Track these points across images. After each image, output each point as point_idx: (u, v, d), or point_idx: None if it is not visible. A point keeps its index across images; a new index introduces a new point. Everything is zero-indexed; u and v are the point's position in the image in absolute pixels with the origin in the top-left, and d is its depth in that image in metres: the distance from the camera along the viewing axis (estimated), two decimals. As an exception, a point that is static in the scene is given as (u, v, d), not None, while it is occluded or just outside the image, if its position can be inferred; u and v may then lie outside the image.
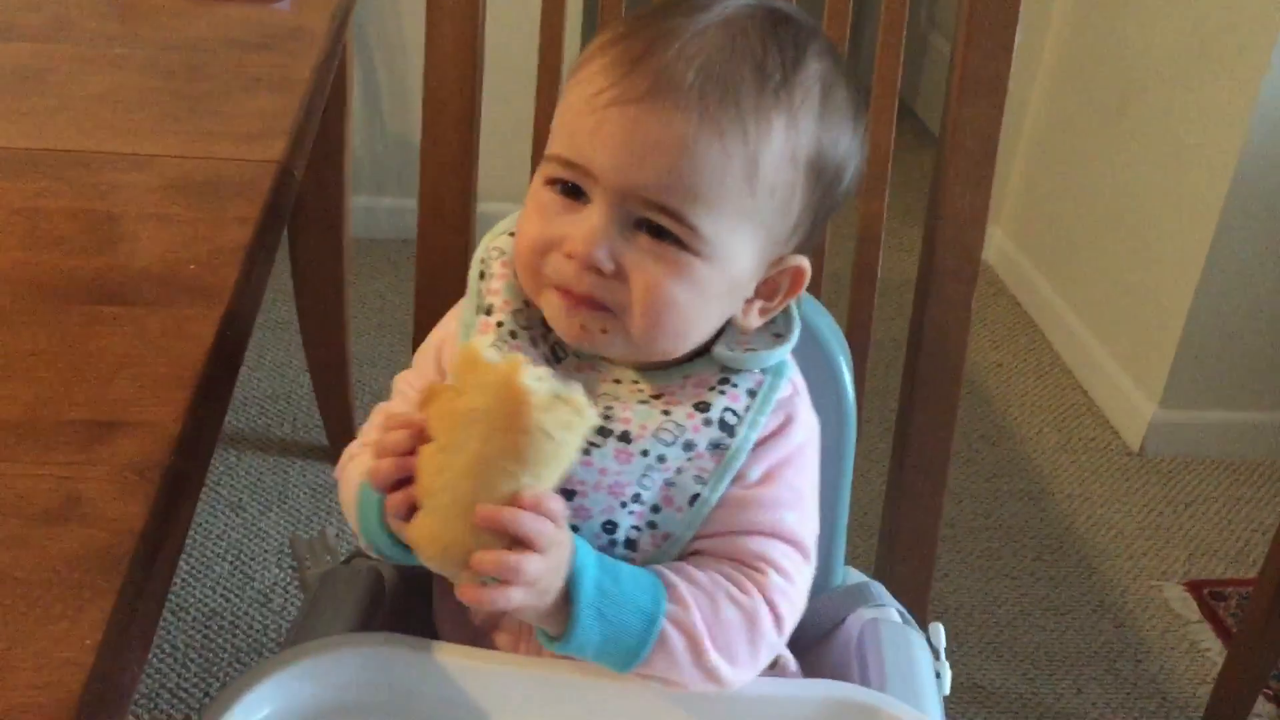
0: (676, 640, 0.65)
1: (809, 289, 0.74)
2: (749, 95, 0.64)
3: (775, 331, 0.73)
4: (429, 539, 0.61)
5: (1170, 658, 1.61)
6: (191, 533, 1.64)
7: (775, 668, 0.76)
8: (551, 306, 0.68)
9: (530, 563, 0.60)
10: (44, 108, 1.02)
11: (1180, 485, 1.94)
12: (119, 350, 0.73)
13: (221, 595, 1.56)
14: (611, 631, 0.64)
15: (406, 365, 0.80)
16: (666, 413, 0.69)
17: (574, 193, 0.66)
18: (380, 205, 2.42)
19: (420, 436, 0.61)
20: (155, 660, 1.46)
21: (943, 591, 1.68)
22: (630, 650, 0.65)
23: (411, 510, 0.61)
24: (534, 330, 0.71)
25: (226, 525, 1.67)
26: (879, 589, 0.87)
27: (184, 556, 1.61)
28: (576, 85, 0.66)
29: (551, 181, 0.67)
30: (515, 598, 0.61)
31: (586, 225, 0.65)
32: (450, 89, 0.92)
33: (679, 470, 0.68)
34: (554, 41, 0.95)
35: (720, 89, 0.63)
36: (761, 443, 0.70)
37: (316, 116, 1.12)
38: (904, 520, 0.98)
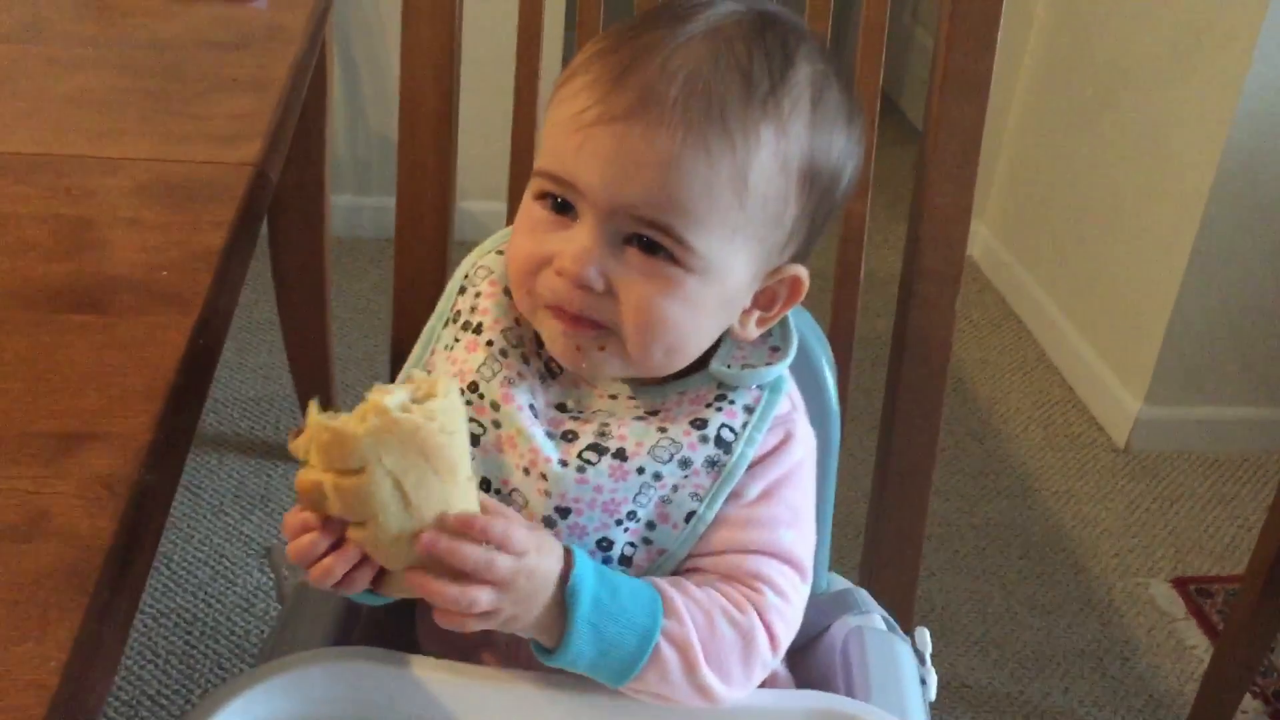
0: (671, 657, 0.65)
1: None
2: (735, 107, 0.63)
3: (772, 345, 0.73)
4: (396, 590, 0.63)
5: (1157, 655, 1.61)
6: (172, 536, 1.63)
7: (768, 675, 0.75)
8: (548, 329, 0.67)
9: (500, 561, 0.60)
10: (14, 110, 1.00)
11: (1166, 481, 1.94)
12: (88, 359, 0.71)
13: (203, 600, 1.55)
14: (606, 646, 0.64)
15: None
16: (663, 430, 0.68)
17: (564, 208, 0.65)
18: (363, 204, 2.41)
19: (330, 527, 0.61)
20: (135, 666, 1.44)
21: (928, 590, 1.68)
22: (624, 665, 0.65)
23: (368, 571, 0.62)
24: (525, 348, 0.71)
25: (208, 529, 1.66)
26: (863, 595, 0.86)
27: (164, 561, 1.59)
28: (562, 102, 0.65)
29: (541, 197, 0.67)
30: (483, 599, 0.60)
31: (576, 244, 0.64)
32: (426, 91, 0.91)
33: (675, 487, 0.68)
34: (532, 37, 0.94)
35: (705, 102, 0.62)
36: (759, 460, 0.69)
37: (294, 116, 1.10)
38: (888, 525, 0.97)
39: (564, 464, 0.67)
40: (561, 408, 0.70)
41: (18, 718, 0.49)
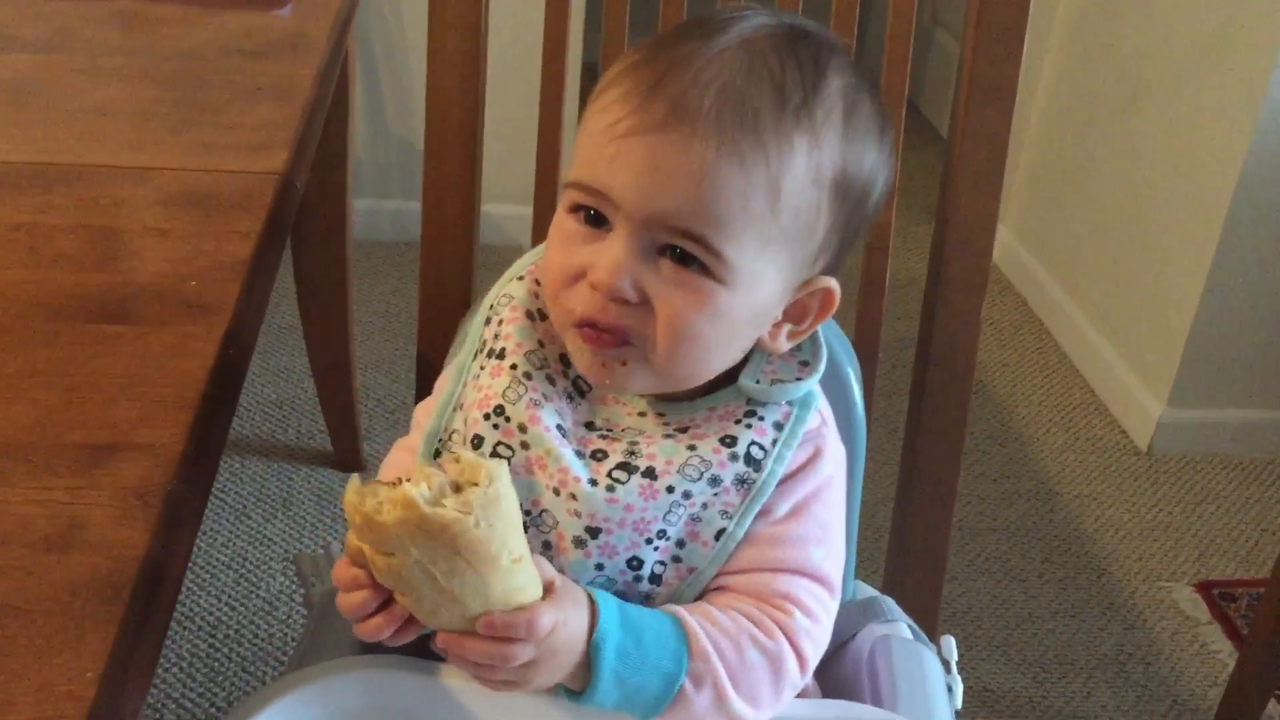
0: (695, 696, 0.65)
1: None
2: (769, 118, 0.63)
3: (801, 359, 0.72)
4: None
5: (1181, 660, 1.60)
6: (195, 541, 1.64)
7: None
8: (574, 344, 0.67)
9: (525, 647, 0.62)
10: (43, 120, 1.01)
11: (1189, 485, 1.94)
12: (120, 370, 0.72)
13: (226, 604, 1.56)
14: (631, 692, 0.65)
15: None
16: (692, 447, 0.68)
17: (597, 220, 0.66)
18: (383, 208, 2.41)
19: (380, 587, 0.62)
20: (159, 670, 1.45)
21: (950, 594, 1.67)
22: (649, 707, 0.66)
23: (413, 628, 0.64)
24: (550, 368, 0.71)
25: (231, 533, 1.67)
26: (889, 604, 0.86)
27: (188, 565, 1.60)
28: (595, 114, 0.65)
29: (574, 209, 0.67)
30: (509, 679, 0.63)
31: (609, 255, 0.64)
32: (453, 103, 0.92)
33: (705, 505, 0.68)
34: (557, 39, 0.94)
35: (739, 113, 0.62)
36: (789, 477, 0.69)
37: (319, 124, 1.11)
38: (914, 532, 0.97)
39: (594, 483, 0.67)
40: (590, 426, 0.70)
41: (57, 730, 0.50)
